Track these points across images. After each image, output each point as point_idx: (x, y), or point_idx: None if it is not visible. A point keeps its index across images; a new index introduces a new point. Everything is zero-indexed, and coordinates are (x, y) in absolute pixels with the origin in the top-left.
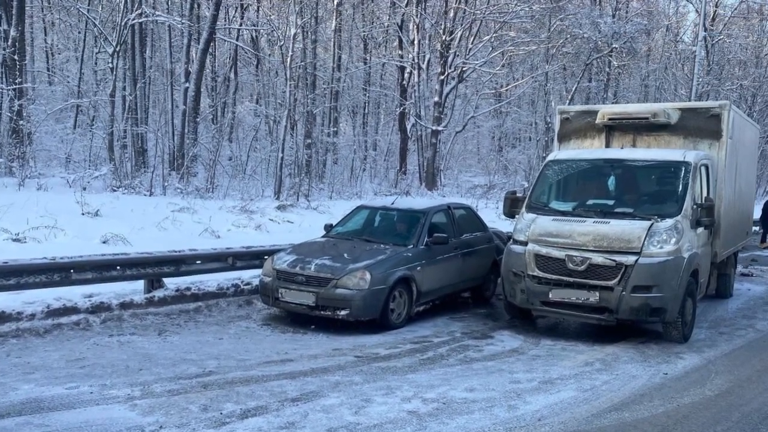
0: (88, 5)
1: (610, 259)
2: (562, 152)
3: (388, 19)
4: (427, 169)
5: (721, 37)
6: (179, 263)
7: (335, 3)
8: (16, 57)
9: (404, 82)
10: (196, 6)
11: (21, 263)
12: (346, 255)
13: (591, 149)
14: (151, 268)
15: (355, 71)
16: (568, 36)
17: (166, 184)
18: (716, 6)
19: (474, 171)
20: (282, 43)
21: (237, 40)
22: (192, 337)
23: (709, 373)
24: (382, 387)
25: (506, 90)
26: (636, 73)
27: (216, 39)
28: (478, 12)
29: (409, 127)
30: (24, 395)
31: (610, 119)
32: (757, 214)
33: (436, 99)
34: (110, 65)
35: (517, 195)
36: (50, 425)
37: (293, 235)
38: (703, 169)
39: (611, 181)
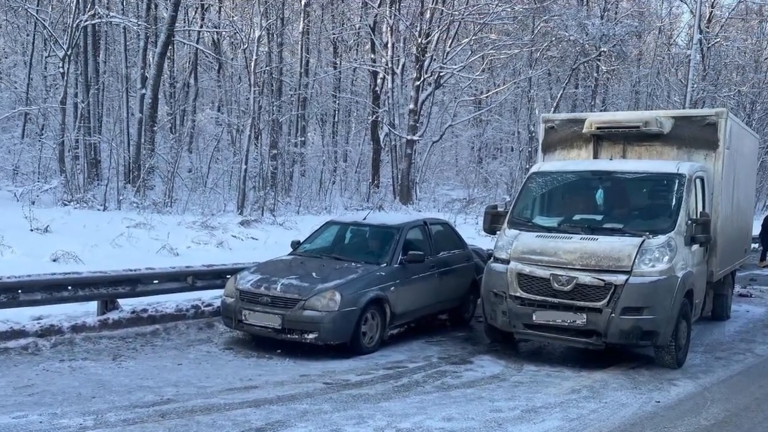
0: (37, 5)
1: (598, 279)
2: (546, 164)
3: (360, 20)
4: (401, 181)
5: (718, 39)
6: (135, 283)
7: (303, 3)
8: None
9: (377, 89)
10: (153, 6)
11: None
12: (314, 274)
13: (578, 160)
14: (105, 289)
15: (325, 76)
16: (554, 39)
17: (121, 197)
18: (712, 7)
19: (452, 184)
20: (245, 46)
21: (197, 43)
22: (149, 363)
23: (705, 401)
24: (354, 416)
25: (487, 97)
26: (626, 79)
27: (174, 42)
28: (457, 13)
29: (382, 136)
30: None
31: (598, 128)
32: (757, 230)
33: (412, 106)
34: (61, 70)
35: (499, 210)
36: None
37: (258, 252)
38: (698, 181)
39: (599, 195)
